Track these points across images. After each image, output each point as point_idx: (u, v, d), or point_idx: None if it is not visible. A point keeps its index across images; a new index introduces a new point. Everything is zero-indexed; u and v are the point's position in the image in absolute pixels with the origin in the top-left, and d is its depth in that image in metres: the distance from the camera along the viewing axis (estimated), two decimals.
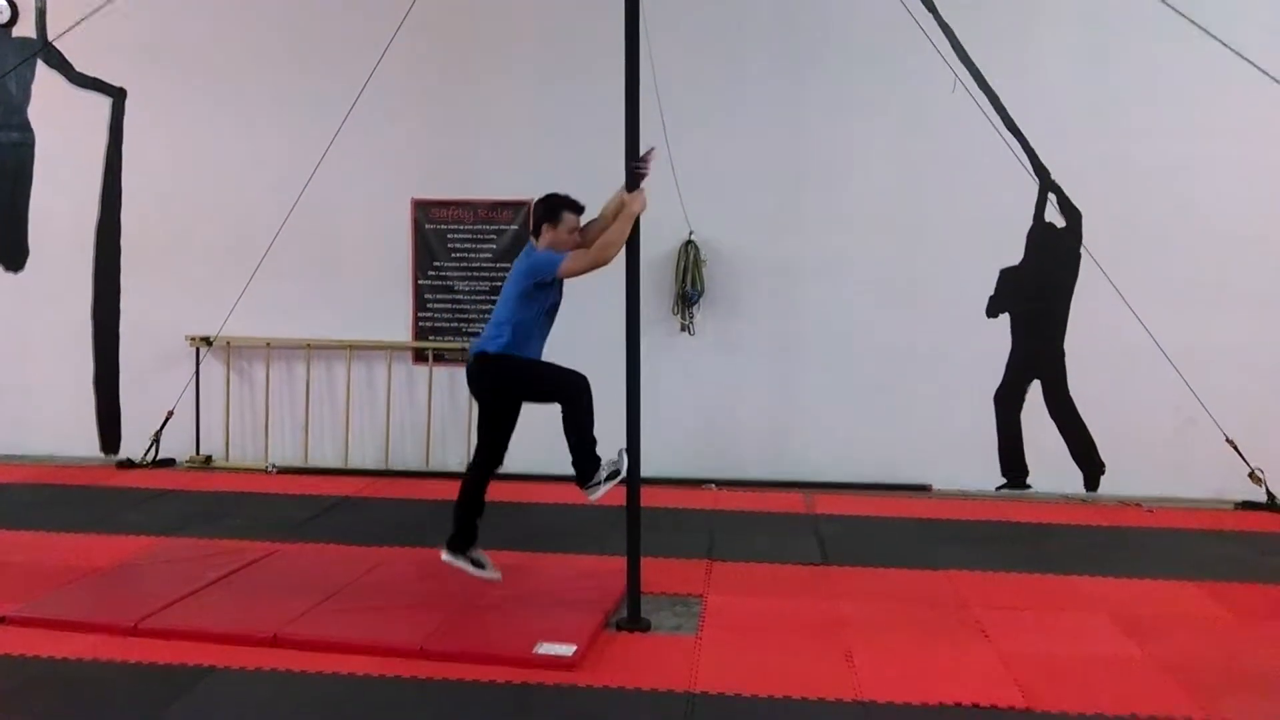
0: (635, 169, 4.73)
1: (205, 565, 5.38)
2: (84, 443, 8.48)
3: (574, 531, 6.34)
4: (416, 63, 7.59)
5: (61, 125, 8.41)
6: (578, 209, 4.89)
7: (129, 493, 7.29)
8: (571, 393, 4.80)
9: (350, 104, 6.84)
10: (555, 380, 4.84)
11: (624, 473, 4.74)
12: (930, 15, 7.36)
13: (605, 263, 4.69)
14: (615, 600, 4.87)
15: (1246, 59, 5.37)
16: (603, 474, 4.77)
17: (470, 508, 4.93)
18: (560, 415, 4.83)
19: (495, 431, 4.93)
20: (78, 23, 5.83)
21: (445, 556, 4.90)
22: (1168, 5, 5.37)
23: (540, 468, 7.89)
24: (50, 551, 5.79)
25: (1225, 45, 5.48)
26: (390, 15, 6.69)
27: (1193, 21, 5.53)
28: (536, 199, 4.97)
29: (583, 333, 7.79)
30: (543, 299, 4.80)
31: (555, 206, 4.86)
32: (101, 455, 8.48)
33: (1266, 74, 5.39)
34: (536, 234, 4.92)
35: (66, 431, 8.45)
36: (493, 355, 4.75)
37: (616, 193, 4.89)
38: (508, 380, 4.82)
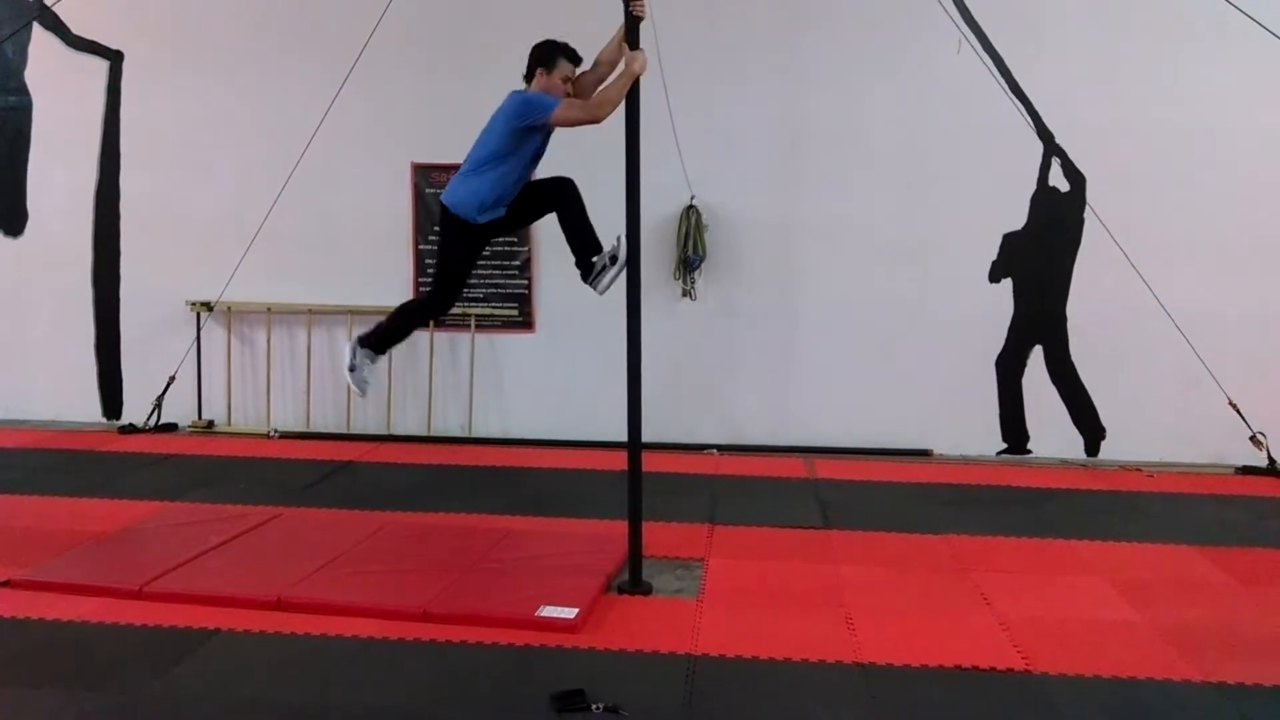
0: (633, 8, 4.57)
1: (208, 530, 5.40)
2: (86, 408, 8.49)
3: (575, 496, 6.37)
4: (415, 24, 7.52)
5: (59, 89, 8.34)
6: (576, 59, 4.78)
7: (131, 458, 7.31)
8: (561, 197, 4.78)
9: (349, 67, 6.80)
10: (543, 194, 4.83)
11: (623, 258, 4.67)
12: None
13: (599, 120, 4.59)
14: (617, 564, 4.89)
15: (1252, 18, 5.31)
16: (605, 261, 4.73)
17: (396, 332, 5.04)
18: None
19: (453, 270, 4.94)
20: None
21: (346, 347, 5.02)
22: None
23: (540, 433, 7.95)
24: (53, 516, 5.82)
25: (1233, 4, 5.42)
26: None
27: None
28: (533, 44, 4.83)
29: (583, 296, 7.82)
30: (529, 145, 4.70)
31: (552, 52, 4.74)
32: (104, 420, 8.50)
33: (1273, 34, 5.34)
34: (528, 79, 4.81)
35: (68, 397, 8.46)
36: (452, 214, 4.75)
37: (614, 35, 4.78)
38: (466, 238, 4.80)
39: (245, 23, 8.08)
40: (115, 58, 8.25)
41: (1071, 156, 7.40)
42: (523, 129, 4.63)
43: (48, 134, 8.39)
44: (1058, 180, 7.45)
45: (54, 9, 7.85)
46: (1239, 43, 6.20)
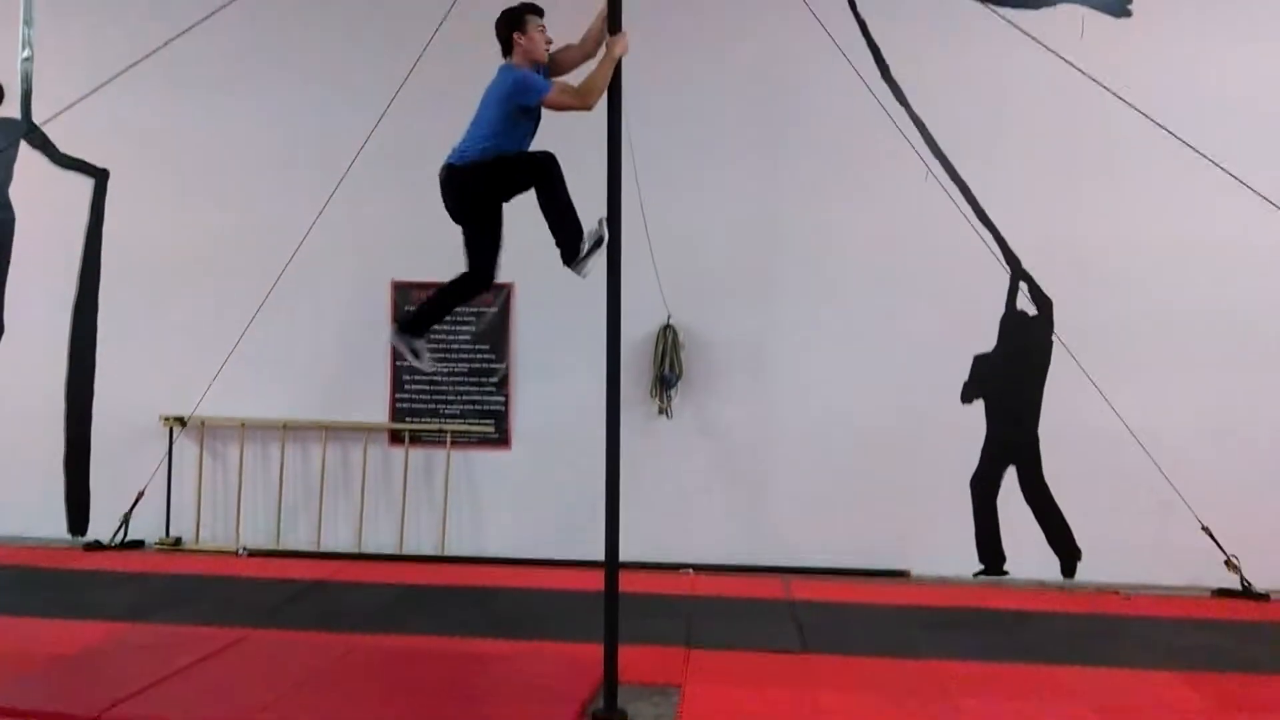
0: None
1: (173, 652, 5.25)
2: (51, 523, 8.32)
3: (549, 617, 6.26)
4: (397, 147, 7.68)
5: (43, 204, 8.42)
6: (539, 10, 4.83)
7: (96, 576, 7.14)
8: (540, 172, 4.73)
9: (331, 184, 6.95)
10: (522, 167, 4.76)
11: (606, 239, 4.64)
12: (902, 109, 7.57)
13: (588, 108, 4.62)
14: (592, 689, 4.79)
15: (1195, 149, 5.58)
16: (586, 245, 4.69)
17: (439, 307, 4.99)
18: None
19: (483, 239, 4.87)
20: (65, 109, 5.88)
21: (393, 336, 5.00)
22: (1128, 105, 5.59)
23: (515, 551, 7.86)
24: (12, 636, 5.63)
25: (1183, 141, 5.70)
26: (370, 103, 6.83)
27: (1153, 119, 5.75)
28: (496, 20, 4.84)
29: (559, 413, 7.87)
30: (525, 125, 4.72)
31: (516, 14, 4.79)
32: (69, 536, 8.32)
33: (1217, 165, 5.61)
34: (508, 52, 4.83)
35: (33, 511, 8.28)
36: (458, 167, 4.73)
37: (598, 14, 4.84)
38: (478, 184, 4.76)
39: (228, 141, 8.24)
40: (101, 175, 8.37)
41: (1038, 281, 7.59)
42: (517, 109, 4.67)
43: (29, 248, 8.43)
44: (1025, 304, 7.62)
45: (42, 128, 8.03)
46: (1196, 169, 6.44)
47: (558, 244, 4.82)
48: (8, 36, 8.38)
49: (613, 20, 4.80)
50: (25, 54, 8.40)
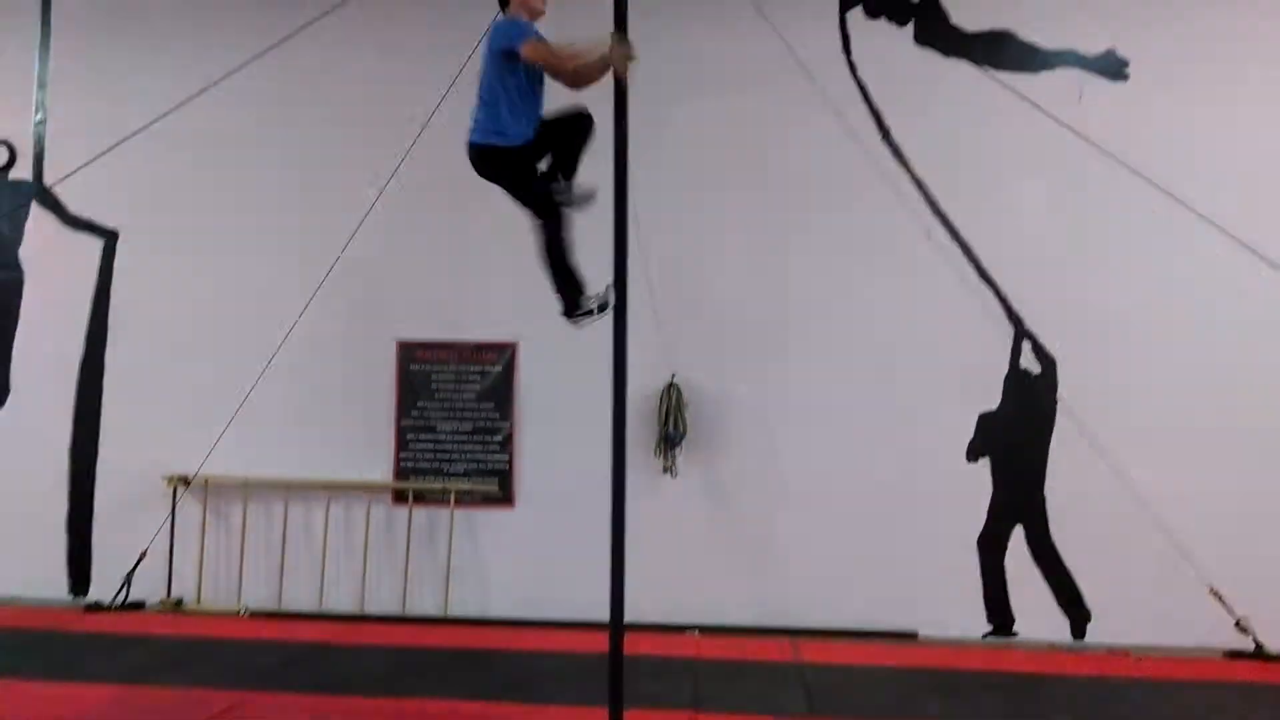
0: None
1: (169, 717, 5.19)
2: (52, 585, 8.26)
3: (555, 679, 6.18)
4: (403, 208, 7.77)
5: (52, 265, 8.49)
6: None
7: (96, 638, 7.07)
8: (549, 210, 4.73)
9: (337, 248, 7.02)
10: (535, 190, 4.77)
11: (611, 305, 4.63)
12: (904, 169, 7.66)
13: (570, 80, 4.61)
14: None
15: (1194, 210, 5.64)
16: (591, 304, 4.70)
17: (561, 270, 4.83)
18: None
19: (528, 194, 4.81)
20: (75, 170, 5.97)
21: (574, 322, 4.84)
22: (1126, 166, 5.65)
23: (519, 612, 7.79)
24: (9, 700, 5.57)
25: (1180, 202, 5.76)
26: (378, 164, 6.93)
27: (1151, 182, 5.81)
28: None
29: (564, 473, 7.85)
30: (528, 86, 4.68)
31: None
32: (69, 598, 8.26)
33: (1221, 228, 5.65)
34: (505, 5, 4.84)
35: (35, 573, 8.23)
36: (479, 146, 4.71)
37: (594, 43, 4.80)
38: (499, 166, 4.74)
39: (236, 203, 8.33)
40: (110, 236, 8.45)
41: (1041, 340, 7.61)
42: (503, 55, 4.62)
43: (37, 309, 8.49)
44: (1029, 363, 7.63)
45: (52, 189, 8.14)
46: (1199, 233, 6.48)
47: (556, 290, 4.83)
48: (21, 100, 8.53)
49: (618, 24, 4.83)
50: (38, 117, 8.54)
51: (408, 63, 7.98)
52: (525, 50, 4.55)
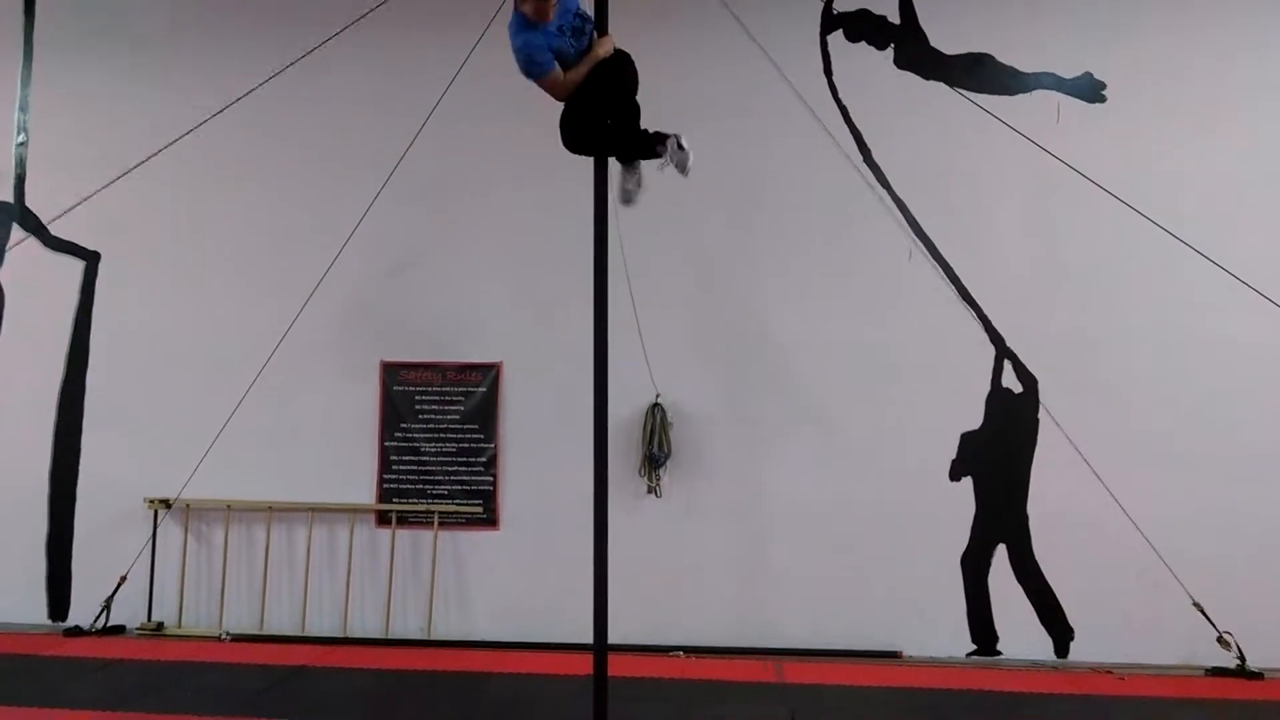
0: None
1: None
2: (31, 609, 8.19)
3: (539, 702, 6.16)
4: (388, 230, 7.78)
5: (33, 286, 8.46)
6: None
7: (75, 663, 7.01)
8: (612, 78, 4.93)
9: (320, 270, 7.02)
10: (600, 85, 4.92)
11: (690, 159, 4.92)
12: (885, 190, 7.72)
13: (554, 96, 4.85)
14: None
15: (1168, 231, 5.70)
16: (668, 154, 4.96)
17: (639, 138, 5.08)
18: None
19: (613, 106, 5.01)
20: (70, 209, 5.98)
21: (658, 164, 5.08)
22: (1101, 188, 5.72)
23: (503, 634, 7.77)
24: None
25: (1154, 223, 5.83)
26: (360, 190, 6.96)
27: (1128, 204, 5.88)
28: None
29: (548, 493, 7.84)
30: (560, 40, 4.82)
31: None
32: (49, 622, 8.18)
33: (1198, 250, 5.71)
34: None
35: (13, 597, 8.16)
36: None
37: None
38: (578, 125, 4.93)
39: (217, 226, 8.32)
40: (91, 258, 8.42)
41: (1023, 359, 7.66)
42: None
43: (17, 331, 8.45)
44: (1011, 382, 7.68)
45: (34, 211, 8.12)
46: (1178, 253, 6.54)
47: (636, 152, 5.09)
48: (2, 122, 8.52)
49: (600, 22, 4.96)
50: (20, 139, 8.52)
51: (392, 87, 8.01)
52: (544, 83, 4.82)
